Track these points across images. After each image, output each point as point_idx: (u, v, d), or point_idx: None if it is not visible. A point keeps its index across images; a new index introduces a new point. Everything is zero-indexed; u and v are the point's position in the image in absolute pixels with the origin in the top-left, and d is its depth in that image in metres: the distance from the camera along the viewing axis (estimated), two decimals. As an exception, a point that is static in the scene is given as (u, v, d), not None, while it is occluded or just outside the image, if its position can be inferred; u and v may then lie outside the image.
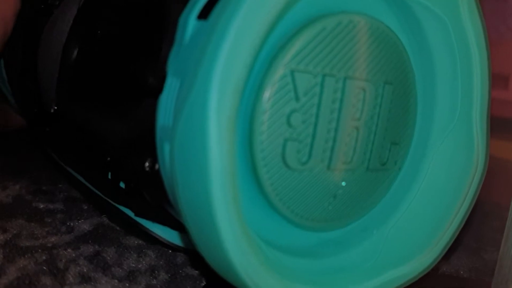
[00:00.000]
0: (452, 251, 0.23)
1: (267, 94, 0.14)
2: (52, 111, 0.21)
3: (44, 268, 0.18)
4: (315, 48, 0.15)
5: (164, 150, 0.15)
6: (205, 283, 0.18)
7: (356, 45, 0.16)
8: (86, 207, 0.23)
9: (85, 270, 0.18)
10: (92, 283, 0.17)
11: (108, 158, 0.18)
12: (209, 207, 0.13)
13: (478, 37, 0.17)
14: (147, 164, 0.16)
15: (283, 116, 0.15)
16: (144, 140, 0.16)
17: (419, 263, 0.17)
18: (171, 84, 0.15)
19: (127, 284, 0.17)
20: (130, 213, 0.21)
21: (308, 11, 0.15)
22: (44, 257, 0.18)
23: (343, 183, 0.17)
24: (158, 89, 0.15)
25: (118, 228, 0.21)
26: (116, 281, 0.17)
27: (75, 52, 0.20)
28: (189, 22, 0.15)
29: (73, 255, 0.19)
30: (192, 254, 0.20)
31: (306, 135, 0.15)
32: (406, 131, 0.18)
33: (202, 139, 0.12)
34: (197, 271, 0.19)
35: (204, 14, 0.14)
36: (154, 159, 0.16)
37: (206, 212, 0.13)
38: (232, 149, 0.13)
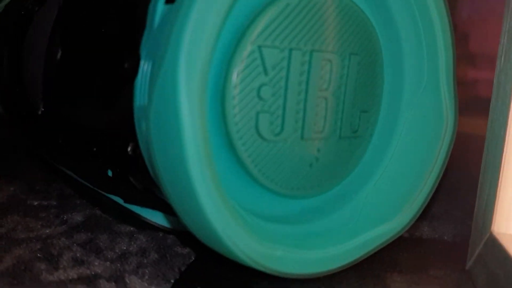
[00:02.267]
0: (436, 219, 0.24)
1: (235, 70, 0.15)
2: (40, 112, 0.22)
3: (39, 255, 0.18)
4: (280, 24, 0.16)
5: (142, 128, 0.15)
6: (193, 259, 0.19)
7: (321, 19, 0.17)
8: (79, 202, 0.24)
9: (78, 255, 0.18)
10: (85, 266, 0.18)
11: (95, 148, 0.19)
12: (186, 174, 0.13)
13: (437, 3, 0.18)
14: (129, 148, 0.17)
15: (253, 90, 0.16)
16: (125, 125, 0.16)
17: (396, 223, 0.18)
18: (143, 67, 0.15)
19: (119, 265, 0.18)
20: (120, 201, 0.21)
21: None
22: (38, 246, 0.19)
23: (318, 152, 0.17)
24: (133, 73, 0.16)
25: (110, 218, 0.22)
26: (108, 262, 0.18)
27: (59, 51, 0.21)
28: (158, 7, 0.15)
29: (67, 243, 0.19)
30: (182, 235, 0.20)
31: (276, 107, 0.16)
32: (374, 99, 0.19)
33: (174, 109, 0.13)
34: (186, 250, 0.19)
35: (171, -2, 0.15)
36: (136, 143, 0.16)
37: (183, 179, 0.14)
38: (203, 117, 0.13)
